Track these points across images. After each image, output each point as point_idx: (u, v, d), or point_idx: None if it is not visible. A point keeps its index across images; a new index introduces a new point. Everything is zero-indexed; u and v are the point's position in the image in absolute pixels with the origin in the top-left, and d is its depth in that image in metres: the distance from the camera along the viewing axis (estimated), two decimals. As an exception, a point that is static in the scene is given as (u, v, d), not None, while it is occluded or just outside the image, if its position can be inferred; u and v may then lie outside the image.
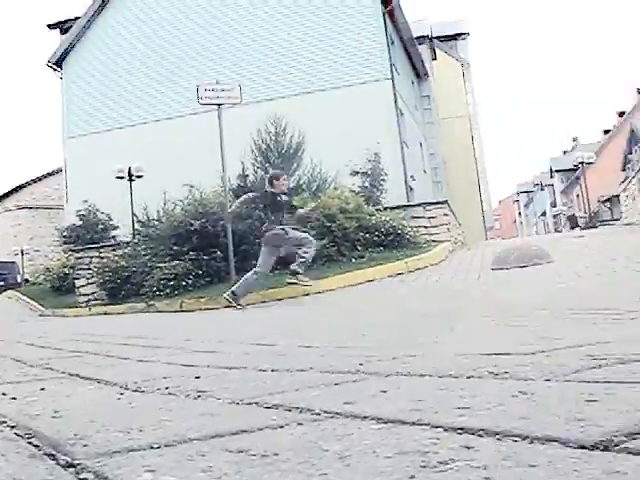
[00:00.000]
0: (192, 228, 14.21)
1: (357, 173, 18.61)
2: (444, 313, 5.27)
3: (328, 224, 13.22)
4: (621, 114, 59.70)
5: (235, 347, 3.67)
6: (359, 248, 13.39)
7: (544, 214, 79.85)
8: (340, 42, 24.28)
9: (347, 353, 2.65)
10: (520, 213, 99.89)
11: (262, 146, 16.63)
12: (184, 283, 13.91)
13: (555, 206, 70.68)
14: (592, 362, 1.69)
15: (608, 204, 42.83)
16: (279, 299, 11.56)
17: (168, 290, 13.83)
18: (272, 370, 2.16)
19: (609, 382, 1.39)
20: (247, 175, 16.37)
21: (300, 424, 1.24)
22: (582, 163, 36.47)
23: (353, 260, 13.02)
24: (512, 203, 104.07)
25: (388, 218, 14.19)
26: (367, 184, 18.37)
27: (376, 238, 13.63)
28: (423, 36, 33.95)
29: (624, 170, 43.12)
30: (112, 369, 2.76)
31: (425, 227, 15.38)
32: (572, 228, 39.92)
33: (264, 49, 24.76)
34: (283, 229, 10.65)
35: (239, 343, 3.98)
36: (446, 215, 15.82)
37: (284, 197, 11.02)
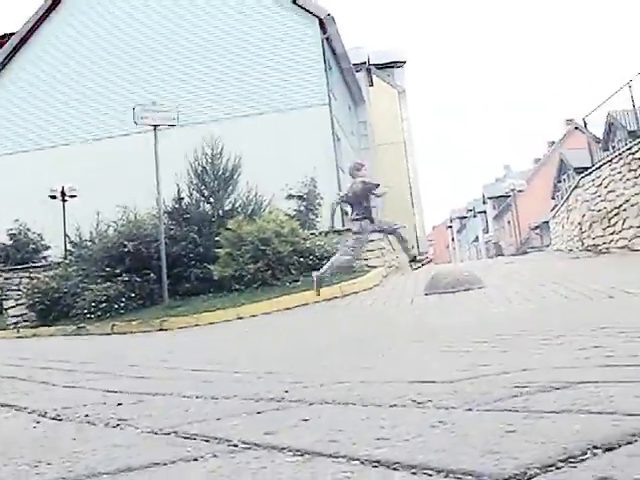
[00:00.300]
0: (125, 250, 14.04)
1: (293, 197, 18.66)
2: (376, 338, 5.28)
3: (263, 248, 13.18)
4: (551, 143, 61.44)
5: (163, 372, 3.61)
6: (293, 272, 13.38)
7: (477, 240, 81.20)
8: (279, 67, 24.41)
9: (275, 379, 2.62)
10: (453, 239, 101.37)
11: (198, 168, 16.52)
12: (116, 305, 13.69)
13: (487, 232, 72.04)
14: (515, 390, 1.70)
15: (538, 230, 43.78)
16: (212, 322, 11.45)
17: (99, 312, 13.60)
18: (196, 397, 2.12)
19: (529, 411, 1.39)
20: (182, 197, 16.24)
21: (215, 456, 1.20)
22: (513, 190, 37.32)
23: (288, 284, 13.00)
24: (446, 229, 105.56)
25: (323, 242, 14.24)
26: (303, 208, 18.43)
27: (310, 262, 13.63)
28: (360, 63, 34.35)
29: (554, 198, 44.19)
30: (33, 395, 2.67)
31: (360, 252, 15.44)
32: (497, 256, 40.76)
33: (202, 71, 24.71)
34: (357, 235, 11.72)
35: (168, 368, 3.91)
36: (380, 240, 15.92)
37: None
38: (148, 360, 4.96)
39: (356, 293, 12.29)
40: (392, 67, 43.05)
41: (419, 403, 1.61)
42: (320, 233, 15.27)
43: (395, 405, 1.62)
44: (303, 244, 13.86)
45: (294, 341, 6.26)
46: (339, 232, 15.83)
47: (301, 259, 13.62)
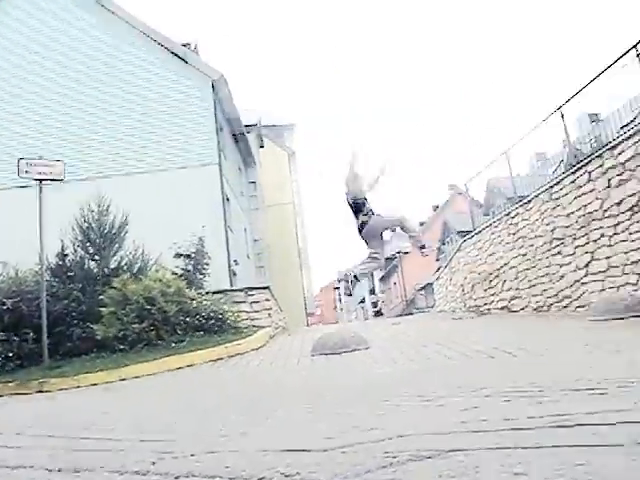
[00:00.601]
0: (4, 307, 13.49)
1: (180, 256, 18.44)
2: (263, 399, 5.22)
3: (148, 307, 12.93)
4: (435, 208, 63.47)
5: (32, 440, 3.44)
6: (179, 332, 13.15)
7: (363, 301, 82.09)
8: (169, 125, 24.36)
9: (148, 447, 2.54)
10: (340, 299, 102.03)
11: (83, 225, 16.14)
12: (-9, 366, 13.08)
13: (374, 293, 73.06)
14: (386, 460, 1.70)
15: (423, 292, 44.74)
16: (94, 384, 11.07)
17: (-28, 374, 12.95)
18: (59, 470, 2.02)
19: (395, 483, 1.39)
20: (66, 254, 15.80)
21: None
22: (399, 252, 38.19)
23: (173, 344, 12.75)
24: (333, 290, 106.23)
25: (209, 302, 14.11)
26: (190, 267, 18.24)
27: (197, 322, 13.46)
28: (252, 124, 34.74)
29: (438, 260, 45.35)
30: None
31: (247, 312, 15.40)
32: (376, 316, 41.59)
33: (90, 127, 24.36)
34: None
35: (38, 435, 3.73)
36: (268, 300, 15.93)
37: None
38: (18, 426, 4.72)
39: (243, 354, 12.17)
40: (282, 129, 43.76)
41: (287, 476, 1.59)
42: (207, 293, 15.14)
43: (263, 478, 1.59)
44: (190, 304, 13.68)
45: (180, 403, 6.12)
46: (225, 292, 15.79)
47: (187, 319, 13.42)
